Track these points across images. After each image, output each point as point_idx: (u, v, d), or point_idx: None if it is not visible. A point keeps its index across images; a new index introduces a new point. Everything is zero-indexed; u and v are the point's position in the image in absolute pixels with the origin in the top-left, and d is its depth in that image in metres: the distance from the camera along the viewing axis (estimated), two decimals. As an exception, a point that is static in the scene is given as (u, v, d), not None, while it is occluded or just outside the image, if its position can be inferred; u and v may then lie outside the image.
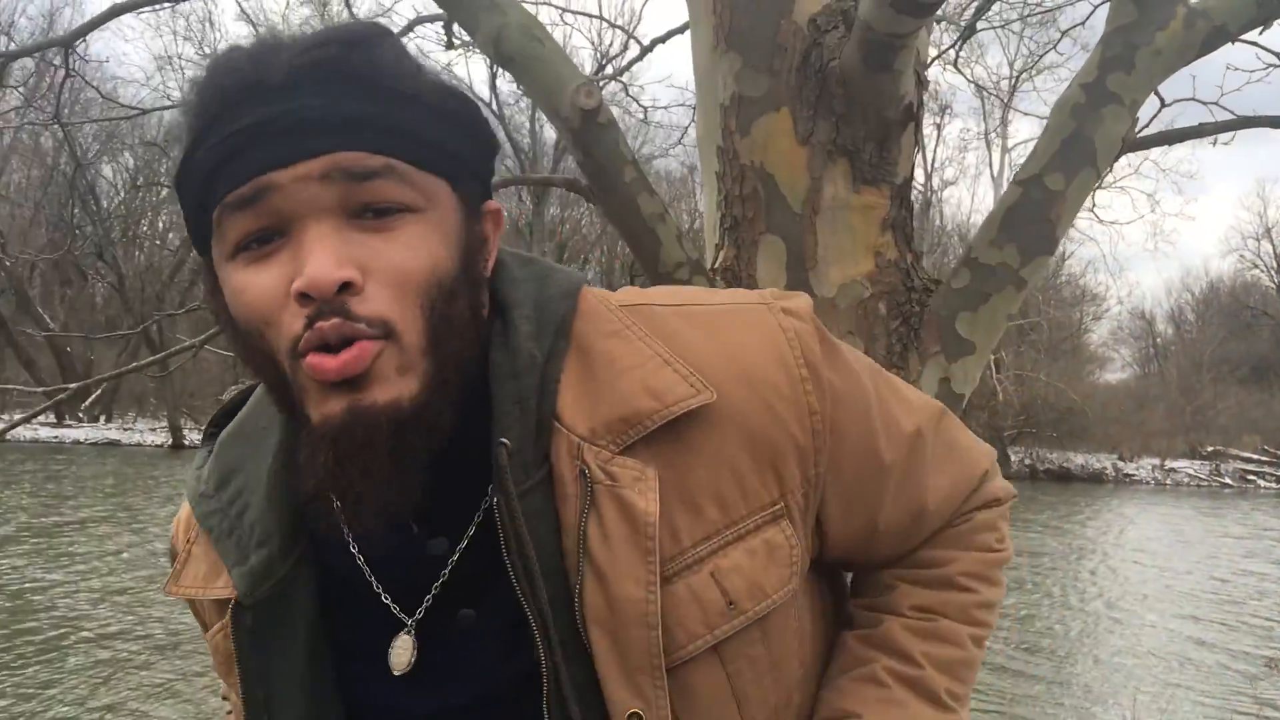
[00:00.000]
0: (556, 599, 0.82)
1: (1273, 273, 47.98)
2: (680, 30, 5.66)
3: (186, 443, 30.98)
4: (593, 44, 38.24)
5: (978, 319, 2.22)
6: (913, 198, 2.33)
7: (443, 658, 0.87)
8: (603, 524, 0.82)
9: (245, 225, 0.79)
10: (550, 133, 41.96)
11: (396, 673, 0.86)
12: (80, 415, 34.03)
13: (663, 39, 5.62)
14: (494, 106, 39.25)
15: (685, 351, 0.88)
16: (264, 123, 0.78)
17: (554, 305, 0.89)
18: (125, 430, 33.97)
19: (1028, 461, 32.72)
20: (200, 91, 0.81)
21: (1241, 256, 48.03)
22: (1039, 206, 2.21)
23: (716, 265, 2.30)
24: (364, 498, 0.79)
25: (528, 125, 41.92)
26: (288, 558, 0.87)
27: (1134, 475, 33.16)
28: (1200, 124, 2.38)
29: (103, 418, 35.49)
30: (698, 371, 0.86)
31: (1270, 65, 3.68)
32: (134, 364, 2.98)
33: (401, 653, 0.86)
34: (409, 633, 0.86)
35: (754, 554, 0.86)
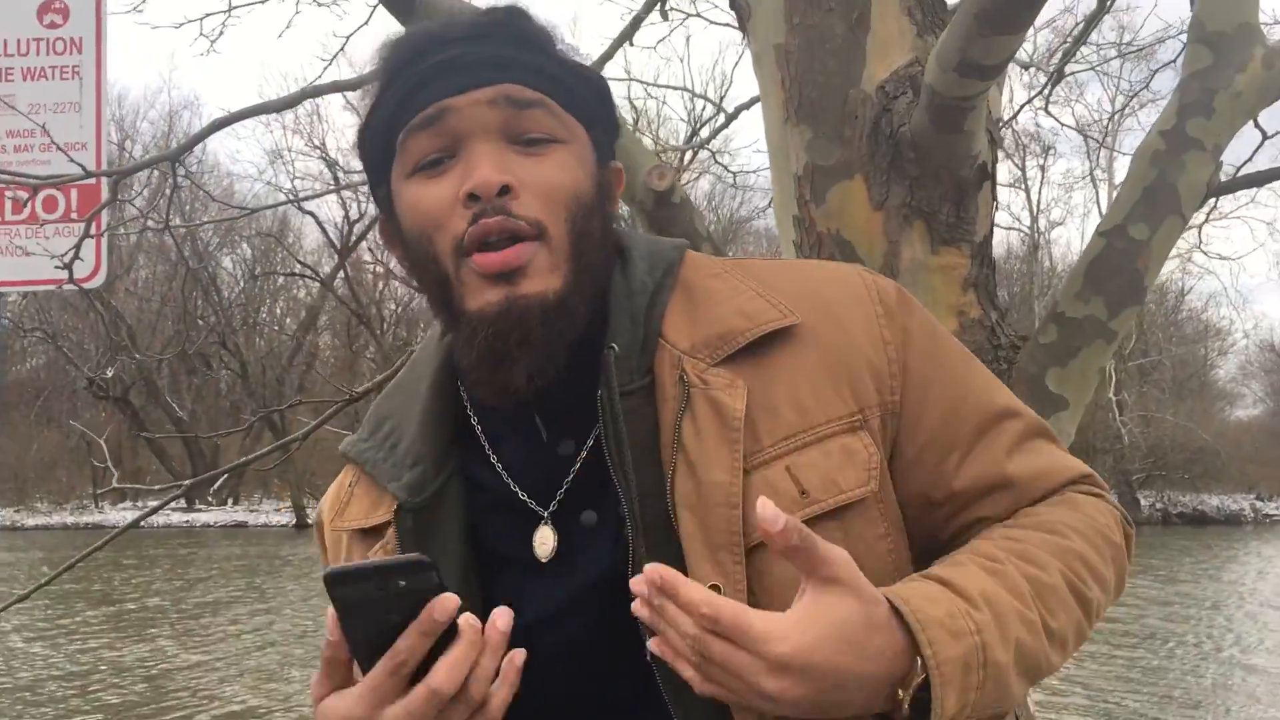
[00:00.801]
0: (651, 489, 0.93)
1: None
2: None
3: (310, 521, 31.80)
4: (686, 112, 38.71)
5: (1068, 374, 2.19)
6: (1020, 240, 2.33)
7: (573, 551, 0.97)
8: (696, 420, 0.93)
9: (425, 144, 0.97)
10: (648, 199, 42.41)
11: (543, 560, 0.97)
12: (209, 499, 35.23)
13: (746, 106, 5.69)
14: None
15: (774, 287, 1.01)
16: (447, 61, 0.97)
17: (665, 254, 1.05)
18: (252, 511, 35.05)
19: (1159, 505, 31.47)
20: (390, 49, 1.00)
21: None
22: (1124, 257, 2.19)
23: (799, 333, 2.32)
24: (518, 363, 0.93)
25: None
26: (440, 474, 1.00)
27: (1275, 515, 31.61)
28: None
29: (230, 500, 36.67)
30: (785, 301, 0.99)
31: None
32: (254, 454, 3.11)
33: (544, 543, 0.98)
34: (546, 524, 0.98)
35: (829, 455, 0.93)
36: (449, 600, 0.81)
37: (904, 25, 2.31)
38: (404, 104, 0.97)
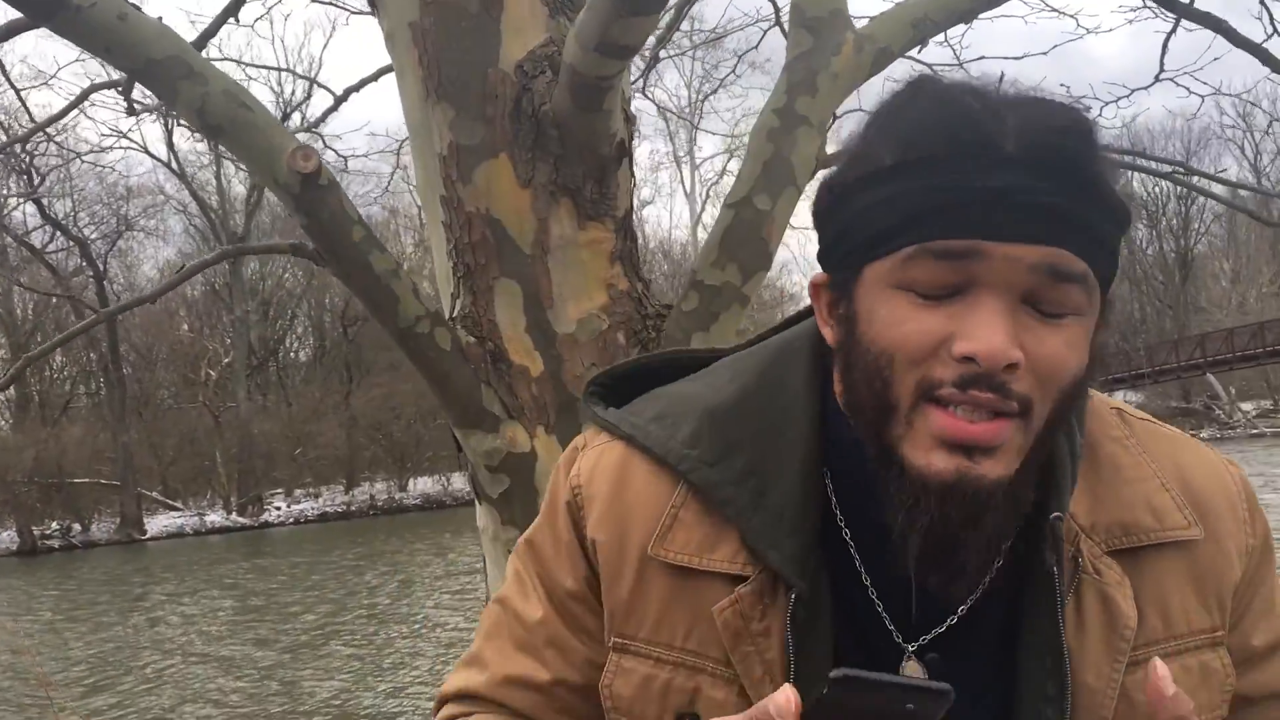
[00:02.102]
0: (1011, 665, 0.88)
1: (941, 256, 52.62)
2: (373, 78, 5.61)
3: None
4: (274, 92, 37.02)
5: (710, 338, 2.34)
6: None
7: None
8: (1080, 611, 0.88)
9: (936, 274, 0.80)
10: (239, 188, 40.23)
11: None
12: None
13: (356, 88, 5.54)
14: (174, 165, 37.21)
15: (1172, 476, 0.94)
16: (1001, 191, 0.79)
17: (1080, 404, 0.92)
18: None
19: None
20: (922, 115, 0.82)
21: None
22: (751, 227, 2.36)
23: (455, 314, 2.31)
24: (960, 550, 0.83)
25: (214, 182, 40.06)
26: (817, 550, 0.89)
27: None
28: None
29: None
30: (1187, 503, 0.93)
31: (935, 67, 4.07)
32: None
33: (912, 675, 0.88)
34: (910, 658, 0.89)
35: (1188, 671, 0.89)
36: None
37: (535, 6, 2.35)
38: (928, 215, 0.80)
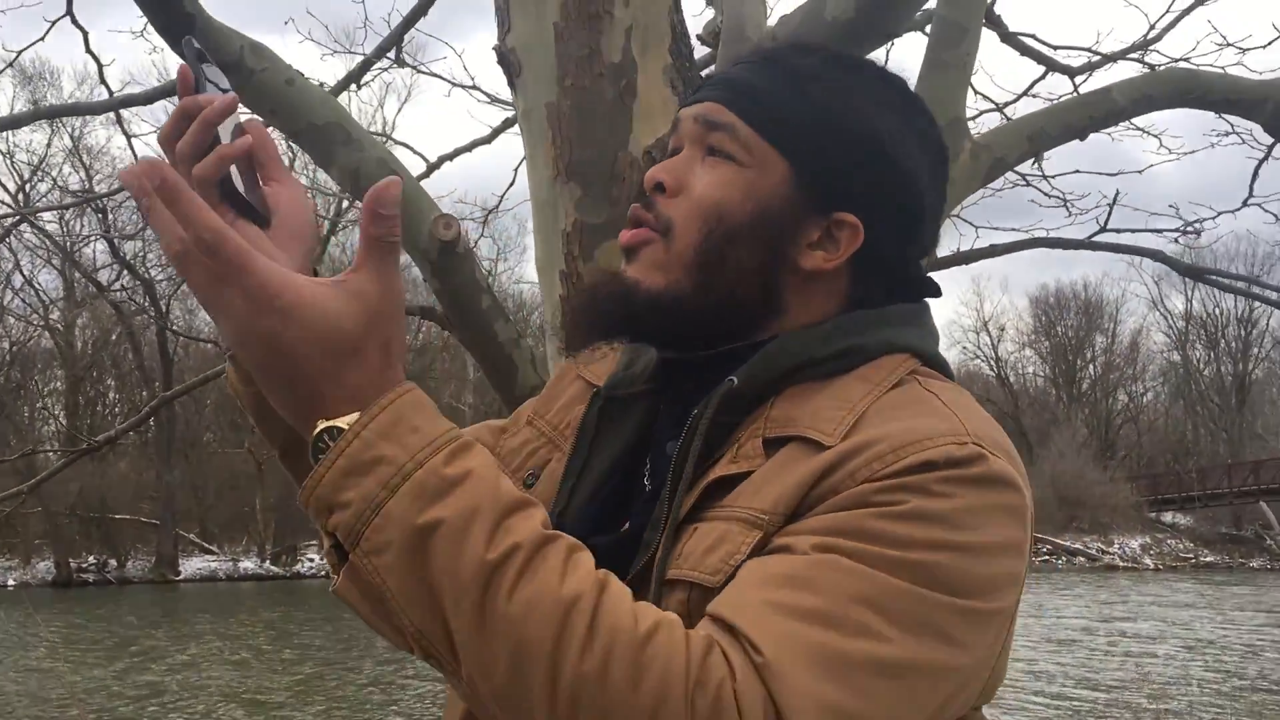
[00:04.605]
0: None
1: (992, 363, 52.38)
2: (467, 149, 5.79)
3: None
4: (346, 153, 37.82)
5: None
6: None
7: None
8: (709, 471, 0.95)
9: (673, 141, 1.05)
10: (303, 242, 40.96)
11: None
12: None
13: (450, 156, 5.70)
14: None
15: (877, 411, 0.92)
16: (709, 77, 1.09)
17: (870, 343, 0.99)
18: None
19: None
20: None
21: (964, 349, 52.19)
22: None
23: (566, 386, 2.36)
24: (579, 327, 1.04)
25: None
26: (643, 383, 1.08)
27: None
28: (992, 245, 2.65)
29: None
30: (852, 426, 0.91)
31: (1015, 184, 4.12)
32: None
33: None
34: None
35: (715, 531, 0.90)
36: (183, 68, 0.91)
37: (666, 95, 2.44)
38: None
